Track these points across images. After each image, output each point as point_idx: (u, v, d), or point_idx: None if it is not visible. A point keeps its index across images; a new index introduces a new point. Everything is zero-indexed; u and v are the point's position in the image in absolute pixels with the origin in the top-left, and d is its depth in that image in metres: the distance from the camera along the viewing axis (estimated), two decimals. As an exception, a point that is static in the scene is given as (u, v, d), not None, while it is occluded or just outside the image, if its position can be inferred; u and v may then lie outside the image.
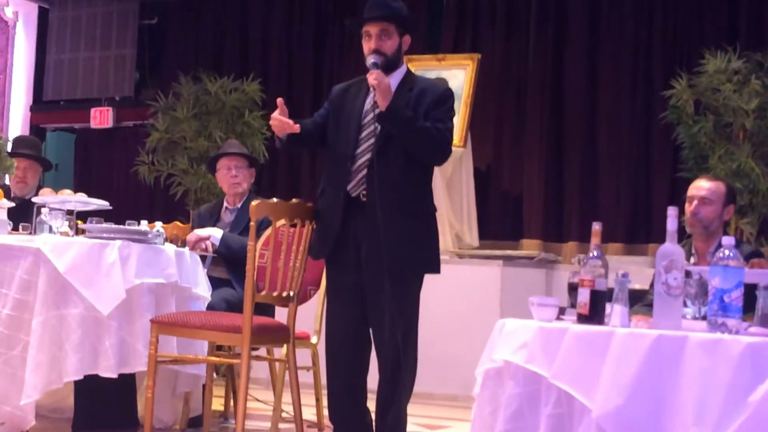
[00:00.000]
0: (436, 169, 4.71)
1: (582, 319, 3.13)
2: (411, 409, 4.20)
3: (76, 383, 4.48)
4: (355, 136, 4.17)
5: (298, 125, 4.14)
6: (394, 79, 4.17)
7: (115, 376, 4.35)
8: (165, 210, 8.42)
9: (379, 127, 4.12)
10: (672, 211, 3.12)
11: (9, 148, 5.73)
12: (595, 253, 3.20)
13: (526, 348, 3.11)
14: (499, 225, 7.88)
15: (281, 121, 4.11)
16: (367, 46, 4.19)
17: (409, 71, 4.34)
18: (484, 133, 7.97)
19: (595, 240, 3.27)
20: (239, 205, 5.55)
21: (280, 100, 4.15)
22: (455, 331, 6.66)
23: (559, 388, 3.00)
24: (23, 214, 4.97)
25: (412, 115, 4.08)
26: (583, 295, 3.16)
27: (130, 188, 9.16)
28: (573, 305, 3.32)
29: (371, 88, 4.16)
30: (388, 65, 4.16)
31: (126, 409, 4.78)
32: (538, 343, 3.08)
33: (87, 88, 9.56)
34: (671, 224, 3.09)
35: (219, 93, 8.25)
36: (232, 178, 5.57)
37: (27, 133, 9.30)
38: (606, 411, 2.86)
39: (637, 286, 4.01)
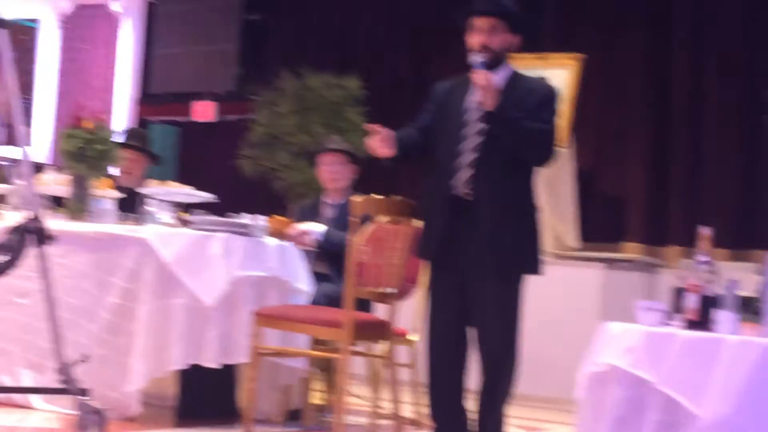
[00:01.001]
0: (538, 170, 4.67)
1: (691, 324, 3.08)
2: (509, 410, 4.18)
3: (180, 372, 4.56)
4: (459, 134, 4.15)
5: (392, 149, 4.10)
6: (501, 77, 4.13)
7: (217, 366, 4.42)
8: (266, 204, 8.49)
9: (483, 128, 4.10)
10: (786, 217, 3.05)
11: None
12: (704, 258, 3.15)
13: (631, 352, 3.08)
14: (600, 227, 7.77)
15: (376, 141, 4.09)
16: (474, 40, 4.14)
17: (515, 71, 4.29)
18: (587, 133, 7.87)
19: (703, 245, 3.22)
20: (341, 202, 5.58)
21: (370, 127, 4.12)
22: (554, 333, 6.60)
23: (665, 394, 2.96)
24: (130, 205, 5.07)
25: (519, 116, 4.04)
26: (692, 301, 3.11)
27: (231, 182, 9.26)
28: (677, 310, 3.27)
29: (473, 86, 4.12)
30: (494, 63, 4.11)
31: (227, 399, 4.85)
32: (645, 348, 3.05)
33: (191, 82, 9.69)
34: (784, 230, 3.02)
35: (320, 88, 8.30)
36: (333, 173, 5.61)
37: (132, 125, 9.48)
38: (714, 419, 2.82)
39: (745, 293, 3.93)
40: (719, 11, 7.61)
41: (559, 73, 7.51)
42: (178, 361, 4.37)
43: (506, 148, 4.05)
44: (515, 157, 4.09)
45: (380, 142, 4.08)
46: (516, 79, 4.24)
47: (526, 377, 4.76)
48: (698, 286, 3.12)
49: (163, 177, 7.12)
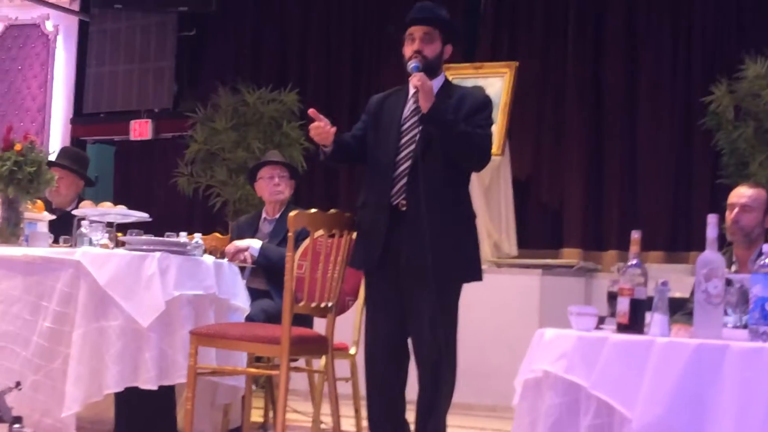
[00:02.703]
0: (474, 178, 4.70)
1: (621, 328, 3.11)
2: (450, 419, 4.19)
3: (116, 395, 4.49)
4: (396, 144, 4.18)
5: (334, 128, 4.14)
6: (434, 86, 4.17)
7: (155, 388, 4.37)
8: (204, 221, 8.45)
9: (419, 134, 4.12)
10: (712, 219, 3.09)
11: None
12: (635, 262, 3.18)
13: (565, 358, 3.09)
14: (538, 234, 7.84)
15: (320, 127, 4.12)
16: (409, 48, 4.21)
17: (447, 80, 4.35)
18: (523, 141, 7.94)
19: (634, 248, 3.25)
20: (277, 216, 5.57)
21: (312, 111, 4.15)
22: (494, 340, 6.63)
23: (598, 398, 2.97)
24: (64, 227, 5.01)
25: (454, 117, 4.09)
26: (623, 304, 3.14)
27: (169, 200, 9.20)
28: (613, 314, 3.30)
29: (410, 96, 4.18)
30: (428, 70, 4.16)
31: (166, 421, 4.79)
32: (578, 353, 3.06)
33: (126, 100, 9.62)
34: (711, 232, 3.06)
35: (257, 104, 8.29)
36: (274, 186, 5.58)
37: (66, 145, 9.36)
38: (646, 421, 2.84)
39: (677, 295, 3.97)
40: (652, 19, 7.72)
41: (494, 82, 7.57)
42: (114, 384, 4.30)
43: (442, 153, 4.07)
44: (451, 164, 4.11)
45: (321, 131, 4.10)
46: (449, 88, 4.30)
47: (467, 386, 4.78)
48: (629, 289, 3.14)
49: (100, 197, 7.04)
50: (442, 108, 4.09)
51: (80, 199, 5.99)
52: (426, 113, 4.07)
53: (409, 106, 4.22)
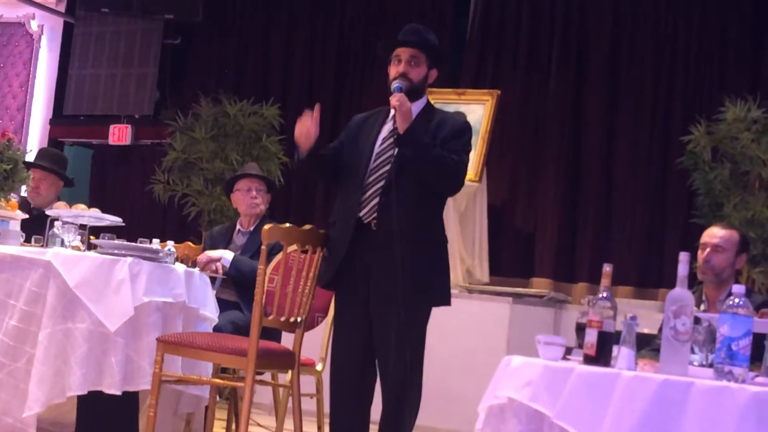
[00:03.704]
0: (450, 203, 4.72)
1: (588, 360, 3.12)
2: (411, 441, 4.18)
3: (79, 398, 4.46)
4: (369, 163, 4.19)
5: (317, 132, 4.15)
6: (415, 108, 4.19)
7: (119, 393, 4.34)
8: (177, 230, 8.43)
9: (394, 155, 4.13)
10: (683, 257, 3.11)
11: (31, 159, 5.77)
12: (605, 295, 3.19)
13: (530, 386, 3.10)
14: (510, 262, 7.86)
15: (306, 125, 4.13)
16: (395, 70, 4.23)
17: (429, 103, 4.37)
18: (500, 169, 7.96)
19: (605, 281, 3.26)
20: (252, 228, 5.56)
21: (317, 107, 4.20)
22: (461, 365, 6.64)
23: (561, 427, 2.98)
24: (38, 226, 4.98)
25: (430, 141, 4.10)
26: (591, 336, 3.15)
27: (144, 206, 9.18)
28: (580, 345, 3.31)
29: (389, 117, 4.20)
30: (412, 92, 4.19)
31: (128, 427, 4.75)
32: (543, 382, 3.07)
33: (107, 104, 9.59)
34: (682, 269, 3.08)
35: (238, 116, 8.29)
36: (252, 198, 5.58)
37: (45, 146, 9.32)
38: (608, 454, 2.85)
39: (645, 330, 3.98)
40: (633, 54, 7.78)
41: (476, 109, 7.61)
42: (78, 387, 4.26)
43: (416, 175, 4.09)
44: (424, 186, 4.12)
45: (305, 128, 4.11)
46: (430, 111, 4.32)
47: (431, 409, 4.78)
48: (598, 321, 3.16)
49: (76, 199, 7.01)
50: (419, 130, 4.10)
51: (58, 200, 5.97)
52: (402, 134, 4.08)
53: (388, 126, 4.24)
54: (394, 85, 4.17)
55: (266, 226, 4.30)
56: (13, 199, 5.04)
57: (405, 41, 4.26)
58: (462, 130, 4.26)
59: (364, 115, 4.44)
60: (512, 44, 8.22)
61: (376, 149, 4.22)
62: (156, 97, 9.39)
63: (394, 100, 4.09)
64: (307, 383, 4.93)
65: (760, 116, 6.68)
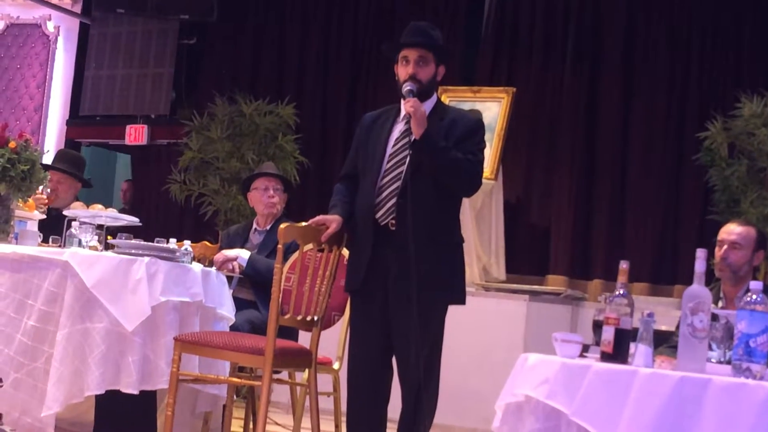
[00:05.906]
0: (466, 201, 4.71)
1: (605, 357, 3.12)
2: (429, 440, 4.19)
3: (97, 398, 4.48)
4: (382, 164, 4.18)
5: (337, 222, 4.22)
6: (426, 107, 4.17)
7: (136, 392, 4.35)
8: (194, 229, 8.45)
9: (409, 156, 4.13)
10: (701, 253, 3.10)
11: (48, 161, 5.80)
12: (622, 292, 3.19)
13: (547, 383, 3.10)
14: (526, 259, 7.85)
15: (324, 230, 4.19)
16: (404, 71, 4.21)
17: (439, 101, 4.36)
18: (515, 166, 7.95)
19: (621, 278, 3.25)
20: (268, 228, 5.57)
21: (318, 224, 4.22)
22: (478, 364, 6.63)
23: (579, 425, 2.98)
24: (56, 227, 5.01)
25: (446, 144, 4.09)
26: (608, 333, 3.14)
27: (161, 206, 9.21)
28: (597, 343, 3.31)
29: (401, 117, 4.18)
30: (422, 93, 4.17)
31: (146, 426, 4.77)
32: (560, 379, 3.07)
33: (123, 104, 9.62)
34: (699, 266, 3.07)
35: (253, 115, 8.30)
36: (269, 198, 5.58)
37: (62, 146, 9.36)
38: (625, 451, 2.84)
39: (662, 327, 3.99)
40: (648, 51, 7.76)
41: (491, 106, 7.60)
42: (96, 386, 4.28)
43: (432, 176, 4.09)
44: (441, 187, 4.12)
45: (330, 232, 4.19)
46: (442, 110, 4.30)
47: (448, 407, 4.78)
48: (615, 319, 3.15)
49: (93, 199, 7.04)
50: (434, 135, 4.09)
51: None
52: (418, 140, 4.07)
53: (399, 127, 4.22)
54: (406, 88, 4.13)
55: (282, 225, 4.30)
56: (44, 195, 5.10)
57: (413, 42, 4.23)
58: (475, 129, 4.25)
59: (374, 114, 4.41)
60: (527, 41, 8.20)
61: (389, 150, 4.20)
62: (172, 97, 9.41)
63: (408, 105, 4.07)
64: (324, 382, 4.94)
65: (776, 112, 6.66)
